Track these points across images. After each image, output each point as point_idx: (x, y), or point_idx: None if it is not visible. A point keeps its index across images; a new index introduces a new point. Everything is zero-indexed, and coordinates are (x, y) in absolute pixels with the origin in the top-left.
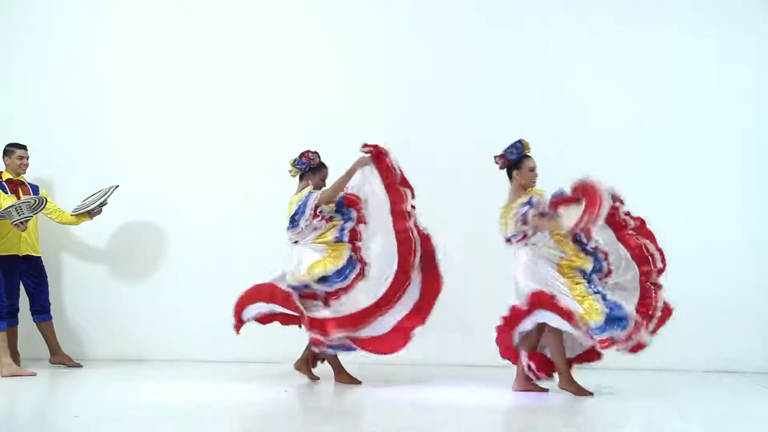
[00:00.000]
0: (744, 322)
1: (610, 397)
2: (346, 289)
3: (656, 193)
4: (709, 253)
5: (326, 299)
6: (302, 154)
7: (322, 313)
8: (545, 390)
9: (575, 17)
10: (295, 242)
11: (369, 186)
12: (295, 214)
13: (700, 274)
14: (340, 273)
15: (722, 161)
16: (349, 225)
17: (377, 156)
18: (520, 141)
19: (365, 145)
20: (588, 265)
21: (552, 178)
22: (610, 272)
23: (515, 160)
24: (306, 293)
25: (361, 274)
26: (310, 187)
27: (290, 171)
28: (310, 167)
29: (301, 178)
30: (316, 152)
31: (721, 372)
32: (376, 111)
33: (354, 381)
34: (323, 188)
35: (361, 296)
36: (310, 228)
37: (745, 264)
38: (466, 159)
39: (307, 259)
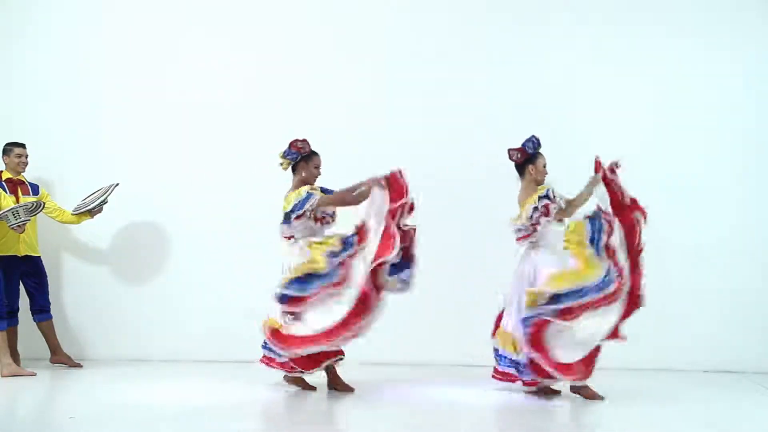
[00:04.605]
0: (744, 322)
1: (610, 398)
2: (316, 296)
3: (656, 192)
4: (709, 252)
5: (299, 302)
6: (291, 144)
7: (292, 329)
8: (557, 392)
9: (576, 17)
10: (290, 237)
11: (376, 207)
12: (291, 211)
13: (700, 274)
14: (324, 277)
15: (723, 160)
16: (349, 252)
17: (392, 181)
18: (534, 136)
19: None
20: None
21: (552, 176)
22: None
23: (532, 154)
24: (290, 299)
25: (339, 285)
26: (307, 187)
27: (281, 164)
28: (301, 156)
29: (293, 170)
30: (304, 140)
31: (721, 372)
32: (378, 111)
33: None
34: (325, 193)
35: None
36: (305, 228)
37: (745, 264)
38: (464, 159)
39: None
